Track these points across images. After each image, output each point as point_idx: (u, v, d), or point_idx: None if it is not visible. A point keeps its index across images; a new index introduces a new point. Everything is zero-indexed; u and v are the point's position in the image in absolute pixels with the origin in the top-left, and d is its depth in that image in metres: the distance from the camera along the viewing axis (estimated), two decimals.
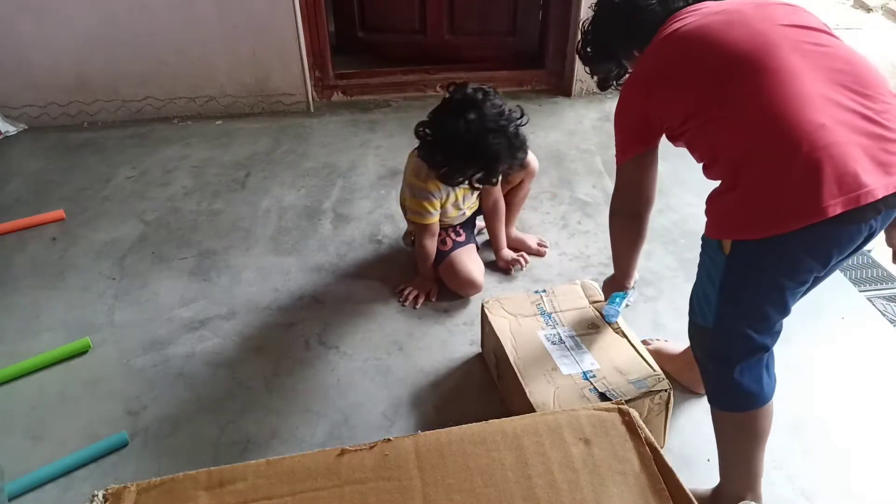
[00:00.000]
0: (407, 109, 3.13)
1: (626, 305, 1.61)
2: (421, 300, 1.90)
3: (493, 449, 0.96)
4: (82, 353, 1.75)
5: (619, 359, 1.49)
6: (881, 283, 2.02)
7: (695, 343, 1.25)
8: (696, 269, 1.23)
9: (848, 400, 1.62)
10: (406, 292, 1.92)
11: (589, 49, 1.42)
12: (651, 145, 1.28)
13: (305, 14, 2.90)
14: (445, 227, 1.96)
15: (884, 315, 1.89)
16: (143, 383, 1.67)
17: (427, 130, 1.72)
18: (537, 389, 1.41)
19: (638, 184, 1.34)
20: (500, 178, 1.79)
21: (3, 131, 2.85)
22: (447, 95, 1.73)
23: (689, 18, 1.20)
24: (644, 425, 1.00)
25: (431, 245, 1.90)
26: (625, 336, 1.55)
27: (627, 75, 1.41)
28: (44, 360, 1.71)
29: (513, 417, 1.02)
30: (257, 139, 2.86)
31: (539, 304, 1.65)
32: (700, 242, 1.20)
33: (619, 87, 1.40)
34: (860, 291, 1.98)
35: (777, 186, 1.02)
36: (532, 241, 2.13)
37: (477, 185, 1.76)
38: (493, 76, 3.31)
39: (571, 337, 1.55)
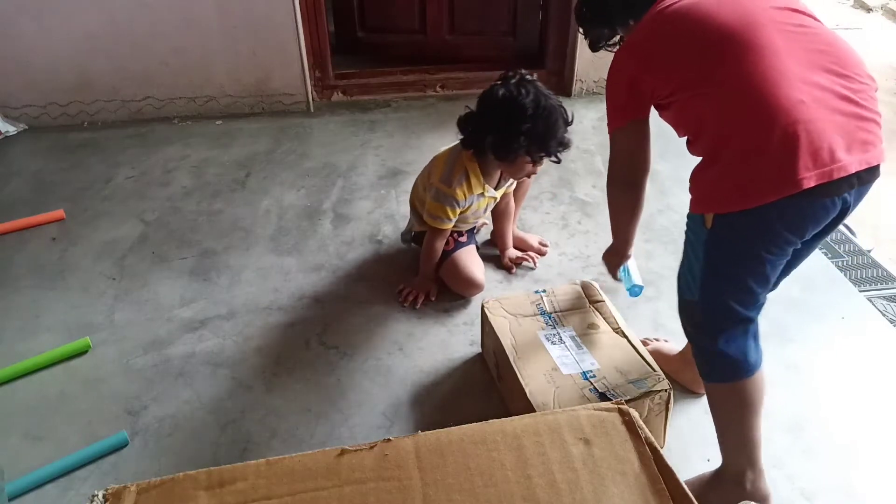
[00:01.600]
0: (407, 109, 3.13)
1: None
2: (420, 300, 1.91)
3: (493, 449, 0.96)
4: (82, 353, 1.75)
5: (619, 359, 1.49)
6: (881, 283, 2.02)
7: (684, 318, 1.29)
8: None
9: (848, 400, 1.62)
10: (406, 292, 1.92)
11: (586, 10, 1.43)
12: (641, 114, 1.31)
13: (305, 14, 2.90)
14: (452, 231, 1.96)
15: (884, 315, 1.89)
16: (143, 383, 1.67)
17: (478, 109, 1.72)
18: (537, 389, 1.41)
19: (631, 152, 1.37)
20: (551, 155, 1.75)
21: (3, 131, 2.85)
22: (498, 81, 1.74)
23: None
24: (644, 425, 1.00)
25: (440, 247, 1.90)
26: (625, 336, 1.55)
27: (619, 43, 1.44)
28: (44, 360, 1.71)
29: (513, 417, 1.02)
30: (257, 139, 2.86)
31: (539, 304, 1.65)
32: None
33: (609, 49, 1.45)
34: (860, 291, 1.98)
35: (755, 160, 1.07)
36: (533, 241, 2.13)
37: (549, 155, 1.72)
38: (493, 76, 3.28)
39: (571, 337, 1.55)
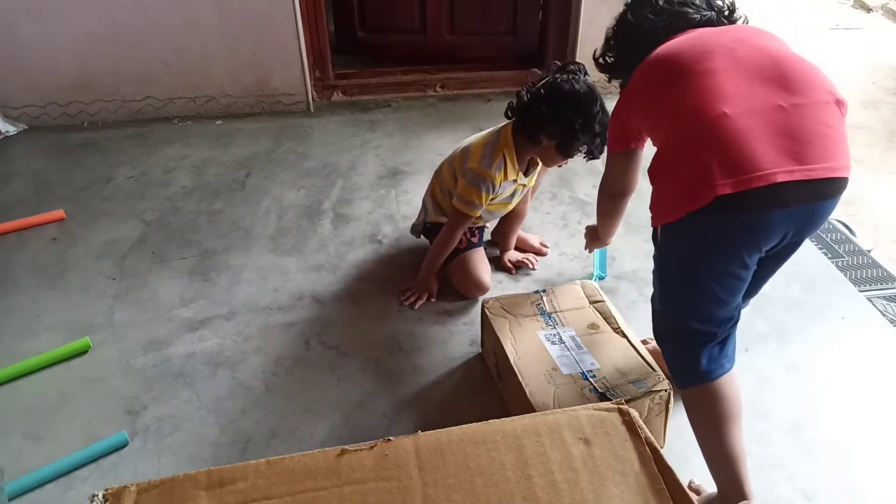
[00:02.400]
0: (407, 109, 3.13)
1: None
2: (421, 302, 1.90)
3: (493, 449, 0.96)
4: (82, 353, 1.75)
5: (619, 359, 1.49)
6: (881, 283, 2.02)
7: (656, 326, 1.36)
8: None
9: (848, 400, 1.62)
10: (408, 293, 1.92)
11: (610, 58, 1.50)
12: (632, 146, 1.40)
13: (305, 14, 2.90)
14: (472, 226, 1.94)
15: (884, 315, 1.89)
16: (143, 383, 1.67)
17: (539, 94, 1.71)
18: (537, 389, 1.41)
19: (621, 173, 1.48)
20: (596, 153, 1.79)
21: (3, 131, 2.85)
22: (555, 72, 1.75)
23: (672, 41, 1.30)
24: (644, 425, 1.00)
25: (459, 236, 1.87)
26: (625, 336, 1.55)
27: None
28: (44, 360, 1.71)
29: (513, 417, 1.02)
30: (257, 139, 2.86)
31: (539, 304, 1.65)
32: None
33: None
34: (860, 291, 1.98)
35: (679, 173, 1.15)
36: (535, 241, 2.13)
37: (591, 154, 1.78)
38: (493, 76, 3.31)
39: (572, 337, 1.56)
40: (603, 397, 1.38)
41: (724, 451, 1.24)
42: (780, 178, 1.05)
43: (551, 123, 1.70)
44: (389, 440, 0.97)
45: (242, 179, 2.57)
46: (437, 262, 1.91)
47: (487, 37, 3.40)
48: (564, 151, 1.75)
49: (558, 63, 1.79)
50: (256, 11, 2.82)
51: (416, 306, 1.90)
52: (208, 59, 2.92)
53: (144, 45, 2.83)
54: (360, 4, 3.38)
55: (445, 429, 0.99)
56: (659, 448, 0.97)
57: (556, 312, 1.63)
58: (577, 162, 2.65)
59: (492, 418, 1.02)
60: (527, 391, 1.40)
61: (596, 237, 1.78)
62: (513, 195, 1.91)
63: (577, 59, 3.12)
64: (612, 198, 1.56)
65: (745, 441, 1.36)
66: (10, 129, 2.87)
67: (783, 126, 1.08)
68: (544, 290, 1.70)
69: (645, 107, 1.29)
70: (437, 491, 0.91)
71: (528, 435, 0.98)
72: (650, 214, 1.26)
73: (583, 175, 2.56)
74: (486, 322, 1.64)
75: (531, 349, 1.52)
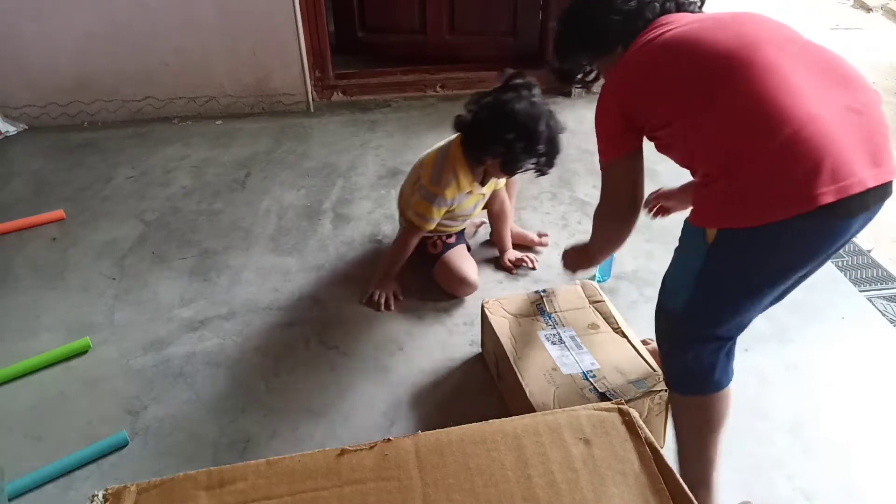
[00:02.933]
0: (407, 109, 3.13)
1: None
2: (392, 301, 1.90)
3: (493, 449, 0.96)
4: (82, 353, 1.75)
5: (619, 359, 1.49)
6: (881, 283, 2.02)
7: (659, 325, 1.27)
8: None
9: (848, 400, 1.62)
10: (377, 296, 1.90)
11: (574, 31, 1.37)
12: (633, 146, 1.26)
13: (305, 14, 2.90)
14: (440, 233, 1.96)
15: (884, 315, 1.89)
16: (143, 383, 1.67)
17: (482, 115, 1.70)
18: (537, 389, 1.41)
19: (626, 187, 1.30)
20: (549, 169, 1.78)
21: (3, 131, 2.85)
22: (501, 83, 1.74)
23: (670, 27, 1.22)
24: (644, 425, 1.00)
25: (413, 244, 1.90)
26: (625, 336, 1.55)
27: (592, 80, 1.43)
28: (44, 360, 1.71)
29: (513, 417, 1.02)
30: (257, 139, 2.86)
31: (539, 304, 1.65)
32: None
33: (578, 87, 1.45)
34: (860, 291, 1.98)
35: (769, 175, 1.02)
36: (532, 235, 2.14)
37: (540, 172, 1.75)
38: (493, 76, 3.30)
39: (571, 337, 1.55)
40: (603, 397, 1.38)
41: (705, 456, 1.26)
42: (871, 183, 1.00)
43: (493, 145, 1.69)
44: (389, 440, 0.97)
45: (242, 179, 2.57)
46: (393, 268, 1.92)
47: (487, 37, 3.40)
48: (508, 171, 1.75)
49: (511, 71, 1.75)
50: (256, 11, 2.82)
51: (391, 307, 1.89)
52: (208, 59, 2.92)
53: (144, 45, 2.83)
54: (360, 4, 3.37)
55: (445, 429, 0.99)
56: (659, 448, 0.96)
57: (556, 312, 1.63)
58: (578, 162, 2.67)
59: (492, 418, 1.02)
60: (527, 391, 1.40)
61: (585, 263, 1.59)
62: (475, 205, 1.92)
63: None
64: (614, 224, 1.37)
65: (745, 441, 1.36)
66: (10, 129, 2.87)
67: (858, 128, 1.03)
68: (545, 291, 1.70)
69: (667, 97, 1.16)
70: (437, 491, 0.91)
71: (528, 435, 0.98)
72: (696, 209, 1.13)
73: (583, 175, 2.56)
74: (485, 322, 1.64)
75: (531, 349, 1.52)
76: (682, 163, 1.21)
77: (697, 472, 1.28)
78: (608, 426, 1.00)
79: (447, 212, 1.85)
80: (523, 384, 1.42)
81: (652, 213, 1.73)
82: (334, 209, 2.37)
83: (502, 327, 1.58)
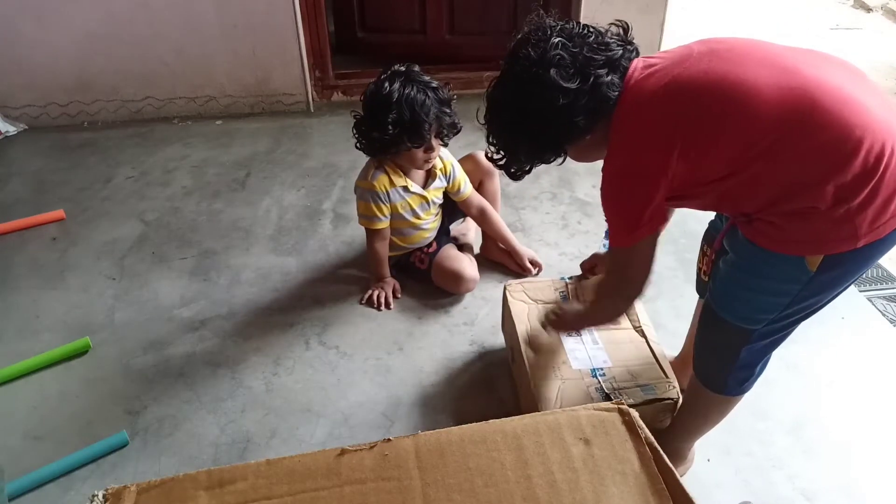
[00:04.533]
0: None
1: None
2: (391, 300, 1.91)
3: (493, 449, 0.96)
4: (82, 353, 1.75)
5: (632, 359, 1.44)
6: (881, 283, 2.02)
7: (726, 342, 1.19)
8: (694, 270, 1.22)
9: (848, 400, 1.62)
10: (375, 296, 1.91)
11: (532, 143, 1.16)
12: (665, 220, 1.12)
13: (305, 14, 2.90)
14: (413, 252, 1.97)
15: (884, 315, 1.89)
16: (143, 383, 1.67)
17: (361, 112, 1.77)
18: (543, 382, 1.38)
19: (648, 267, 1.15)
20: (433, 138, 1.76)
21: (3, 131, 2.85)
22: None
23: (661, 71, 1.07)
24: (644, 425, 1.00)
25: (380, 248, 1.91)
26: (644, 336, 1.50)
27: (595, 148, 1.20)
28: (44, 360, 1.71)
29: (512, 417, 1.02)
30: (257, 139, 2.86)
31: (563, 292, 1.60)
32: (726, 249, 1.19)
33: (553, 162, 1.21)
34: (860, 291, 1.98)
35: (879, 194, 0.98)
36: (525, 260, 2.01)
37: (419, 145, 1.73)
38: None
39: (589, 331, 1.51)
40: (607, 398, 1.35)
41: (696, 438, 1.39)
42: None
43: (367, 133, 1.74)
44: (389, 440, 0.97)
45: (242, 179, 2.56)
46: (378, 270, 1.94)
47: (487, 37, 3.39)
48: (385, 152, 1.76)
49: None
50: (256, 11, 2.82)
51: (391, 305, 1.90)
52: (208, 59, 2.92)
53: (144, 45, 2.83)
54: (360, 4, 3.37)
55: (445, 429, 0.99)
56: (659, 448, 0.96)
57: (578, 303, 1.58)
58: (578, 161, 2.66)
59: (492, 418, 1.02)
60: (531, 383, 1.38)
61: (576, 328, 1.46)
62: (421, 206, 1.90)
63: None
64: (629, 301, 1.26)
65: (745, 441, 1.36)
66: (10, 129, 2.87)
67: None
68: (570, 278, 1.66)
69: (720, 145, 1.02)
70: (437, 491, 0.91)
71: (528, 435, 0.98)
72: (788, 240, 1.04)
73: (583, 175, 2.56)
74: (505, 305, 1.60)
75: (545, 338, 1.47)
76: (739, 204, 1.10)
77: (682, 447, 1.38)
78: (608, 426, 1.00)
79: (392, 212, 1.85)
80: (529, 375, 1.40)
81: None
82: (334, 209, 2.37)
83: (521, 312, 1.54)
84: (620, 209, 1.11)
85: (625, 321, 1.54)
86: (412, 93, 1.69)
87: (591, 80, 1.06)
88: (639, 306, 1.58)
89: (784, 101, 0.98)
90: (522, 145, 1.17)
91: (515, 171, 1.21)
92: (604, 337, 1.50)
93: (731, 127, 1.01)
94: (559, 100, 1.06)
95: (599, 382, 1.39)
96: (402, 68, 1.75)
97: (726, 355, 1.21)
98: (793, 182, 1.01)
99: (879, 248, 1.04)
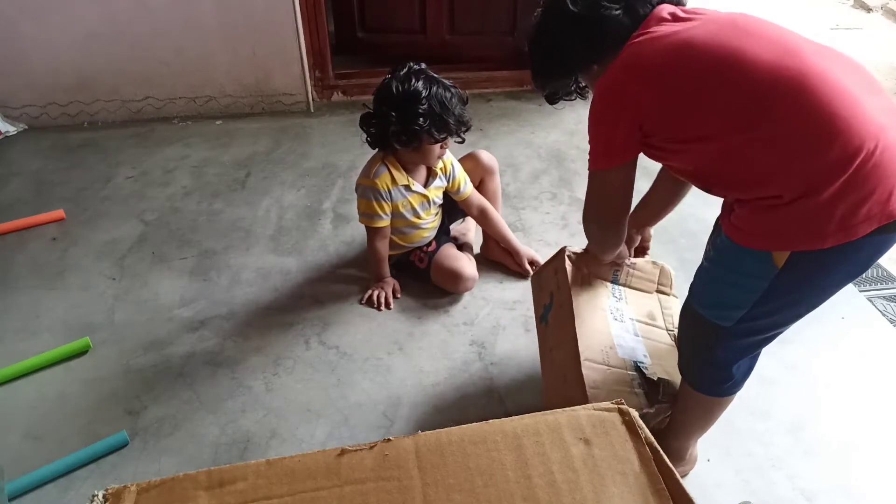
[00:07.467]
0: None
1: None
2: (391, 299, 1.91)
3: (493, 449, 0.96)
4: (82, 353, 1.75)
5: (667, 360, 1.41)
6: (881, 283, 2.02)
7: (695, 335, 1.23)
8: (694, 270, 1.22)
9: (848, 400, 1.62)
10: (375, 296, 1.91)
11: (543, 63, 1.28)
12: (634, 154, 1.18)
13: (305, 14, 2.90)
14: (413, 251, 1.97)
15: (884, 315, 1.89)
16: (143, 383, 1.67)
17: (375, 105, 1.79)
18: (593, 363, 1.31)
19: (618, 197, 1.23)
20: (453, 134, 1.79)
21: (3, 131, 2.85)
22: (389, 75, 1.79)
23: (677, 26, 1.11)
24: (644, 425, 1.00)
25: (383, 248, 1.91)
26: (675, 340, 1.45)
27: (579, 91, 1.34)
28: (44, 360, 1.71)
29: (512, 417, 1.02)
30: (257, 139, 2.86)
31: (616, 272, 1.54)
32: (708, 244, 1.20)
33: (568, 99, 1.34)
34: (860, 291, 1.98)
35: (857, 193, 0.97)
36: (525, 260, 2.02)
37: (443, 138, 1.77)
38: (493, 76, 3.31)
39: (632, 320, 1.47)
40: (654, 387, 1.32)
41: (694, 439, 1.40)
42: None
43: (383, 127, 1.75)
44: (389, 440, 0.97)
45: (242, 179, 2.57)
46: (378, 269, 1.94)
47: (487, 37, 3.39)
48: (407, 144, 1.76)
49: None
50: (256, 11, 2.82)
51: (390, 305, 1.90)
52: (208, 59, 2.92)
53: (144, 45, 2.83)
54: (360, 4, 3.37)
55: (445, 429, 0.99)
56: (659, 448, 0.96)
57: (626, 287, 1.53)
58: (578, 161, 2.67)
59: (492, 418, 1.02)
60: (582, 358, 1.30)
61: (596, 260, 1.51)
62: (422, 206, 1.90)
63: None
64: (605, 228, 1.32)
65: (745, 441, 1.36)
66: (10, 129, 2.87)
67: None
68: (627, 260, 1.57)
69: (701, 104, 1.06)
70: (437, 491, 0.91)
71: (528, 435, 0.98)
72: (758, 233, 1.06)
73: (583, 175, 2.56)
74: (560, 266, 1.49)
75: (593, 314, 1.41)
76: (712, 181, 1.14)
77: (679, 447, 1.38)
78: (608, 426, 1.00)
79: (393, 211, 1.85)
80: (580, 352, 1.31)
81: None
82: (334, 209, 2.37)
83: (574, 277, 1.45)
84: (597, 131, 1.19)
85: (660, 319, 1.51)
86: (438, 89, 1.73)
87: (599, 11, 1.16)
88: (677, 310, 1.44)
89: (775, 79, 1.00)
90: (541, 64, 1.29)
91: (546, 94, 1.34)
92: (643, 331, 1.46)
93: (715, 86, 1.04)
94: (564, 23, 1.20)
95: (645, 375, 1.34)
96: (419, 66, 1.77)
97: (701, 350, 1.23)
98: (765, 164, 1.02)
99: (851, 256, 1.02)
